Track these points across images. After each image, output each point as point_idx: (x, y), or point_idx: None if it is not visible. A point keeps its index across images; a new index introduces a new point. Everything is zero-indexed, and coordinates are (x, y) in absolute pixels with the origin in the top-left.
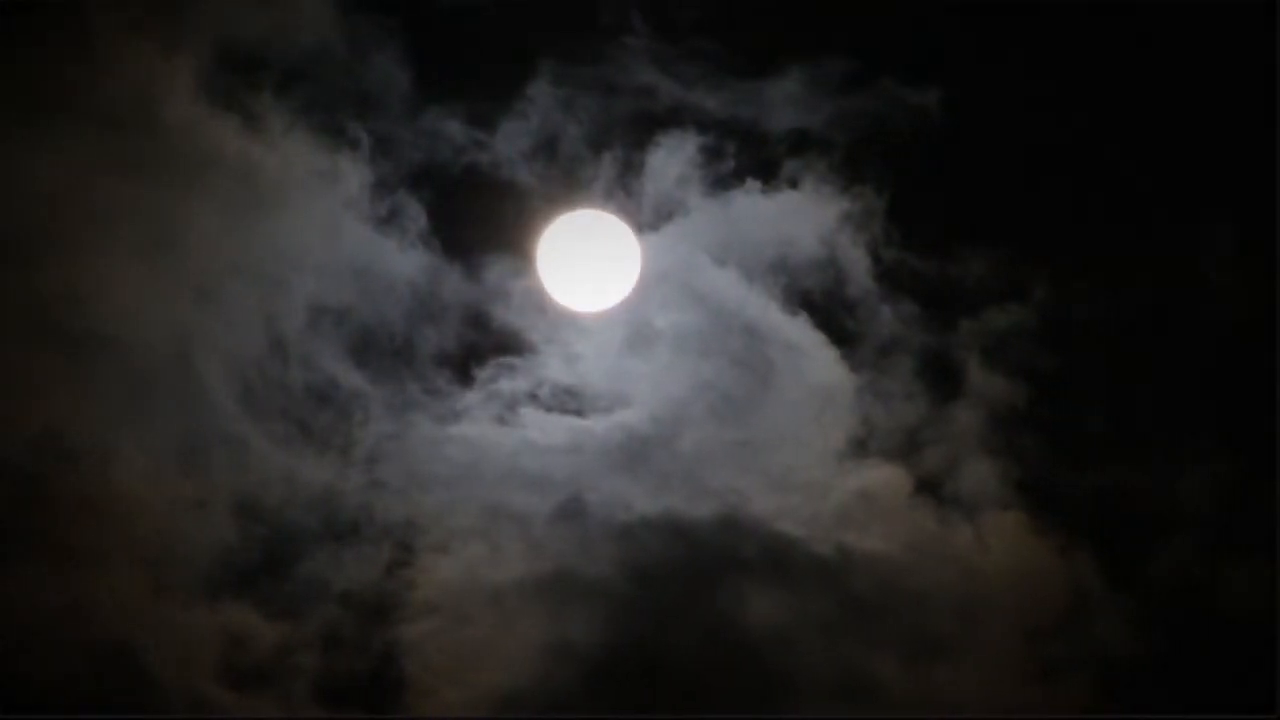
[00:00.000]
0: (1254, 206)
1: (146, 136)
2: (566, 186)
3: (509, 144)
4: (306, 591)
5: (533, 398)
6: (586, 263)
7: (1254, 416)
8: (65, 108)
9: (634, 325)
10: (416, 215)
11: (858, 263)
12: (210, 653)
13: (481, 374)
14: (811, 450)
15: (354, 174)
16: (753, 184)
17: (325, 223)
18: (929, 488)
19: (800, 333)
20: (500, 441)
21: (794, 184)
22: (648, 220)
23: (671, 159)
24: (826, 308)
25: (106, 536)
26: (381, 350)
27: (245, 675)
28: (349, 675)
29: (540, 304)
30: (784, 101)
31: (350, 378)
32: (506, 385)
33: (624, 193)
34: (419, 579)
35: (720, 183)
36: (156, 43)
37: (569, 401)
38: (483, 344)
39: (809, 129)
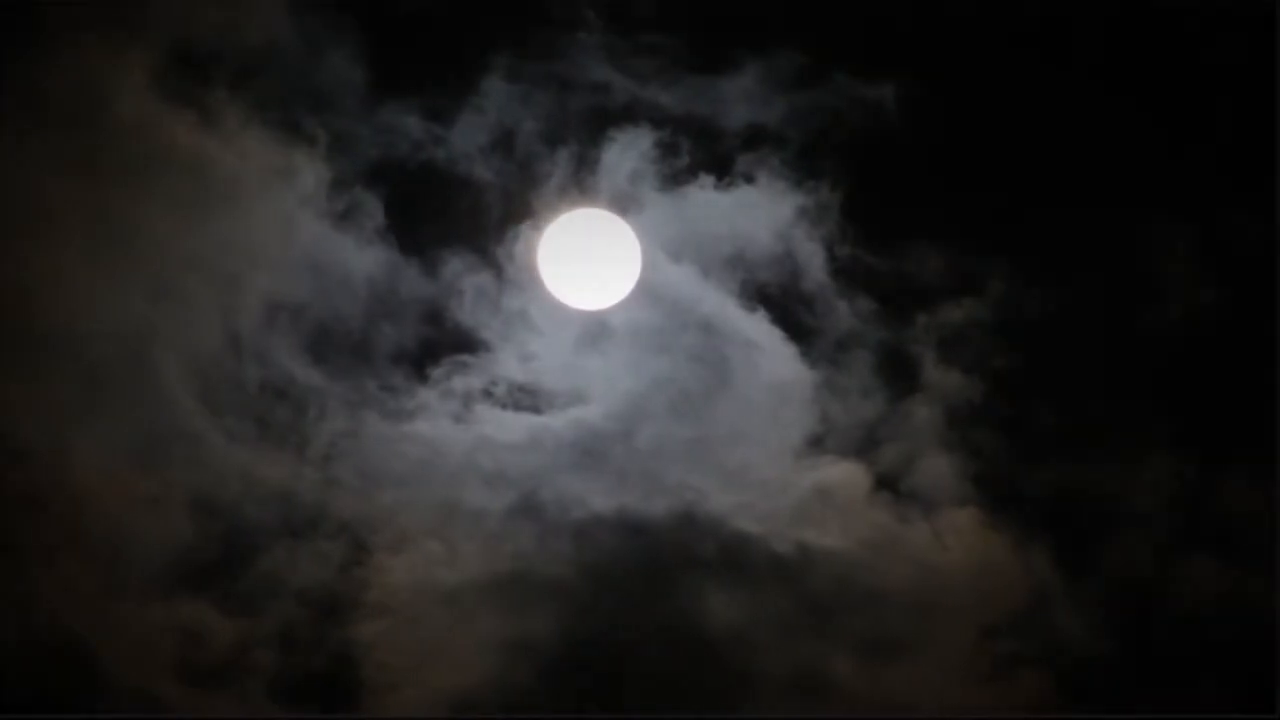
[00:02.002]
0: (1210, 205)
1: (100, 133)
2: (523, 183)
3: (465, 140)
4: (262, 589)
5: (489, 394)
6: (585, 262)
7: (1208, 412)
8: (17, 105)
9: (591, 321)
10: (373, 211)
11: (814, 258)
12: (166, 650)
13: (438, 371)
14: (769, 447)
15: (310, 170)
16: (708, 179)
17: (282, 219)
18: (887, 484)
19: (757, 329)
20: (457, 438)
21: (749, 179)
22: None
23: (626, 155)
24: (783, 304)
25: (61, 533)
26: (338, 347)
27: (201, 673)
28: (305, 673)
29: (496, 301)
30: (739, 97)
31: (306, 374)
32: (463, 382)
33: (578, 189)
34: (375, 577)
35: (676, 178)
36: (110, 39)
37: (525, 398)
38: (440, 341)
39: (764, 124)
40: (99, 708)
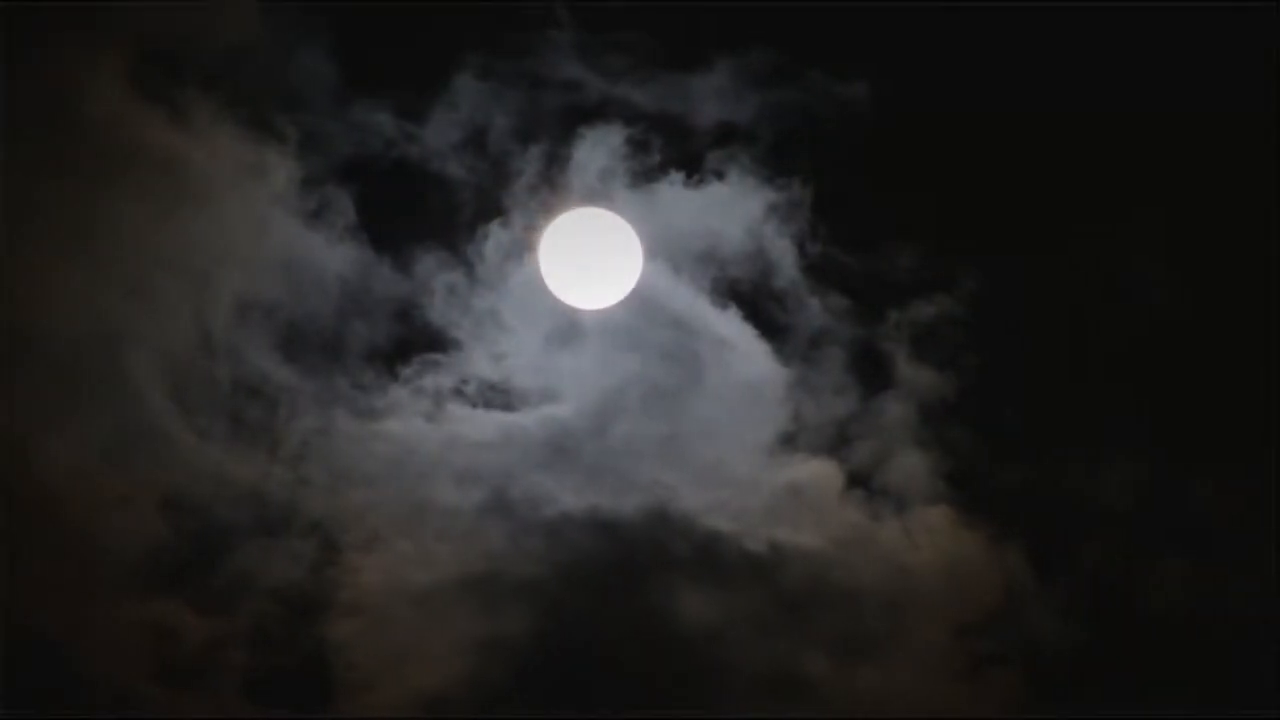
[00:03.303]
0: (1181, 206)
1: (71, 131)
2: (495, 180)
3: (437, 137)
4: (234, 588)
5: (460, 393)
6: (586, 261)
7: (1181, 410)
8: None
9: (563, 319)
10: (345, 209)
11: (786, 255)
12: (138, 648)
13: (409, 369)
14: (741, 444)
15: (282, 168)
16: (681, 176)
17: (253, 217)
18: (859, 481)
19: (729, 326)
20: (429, 437)
21: (721, 176)
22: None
23: (598, 151)
24: (755, 301)
25: (32, 532)
26: (310, 345)
27: (173, 671)
28: (279, 672)
29: (468, 299)
30: (710, 94)
31: (278, 373)
32: (435, 380)
33: (549, 187)
34: (346, 575)
35: (647, 175)
36: (81, 37)
37: (497, 396)
38: (412, 339)
39: (736, 122)
40: (71, 706)
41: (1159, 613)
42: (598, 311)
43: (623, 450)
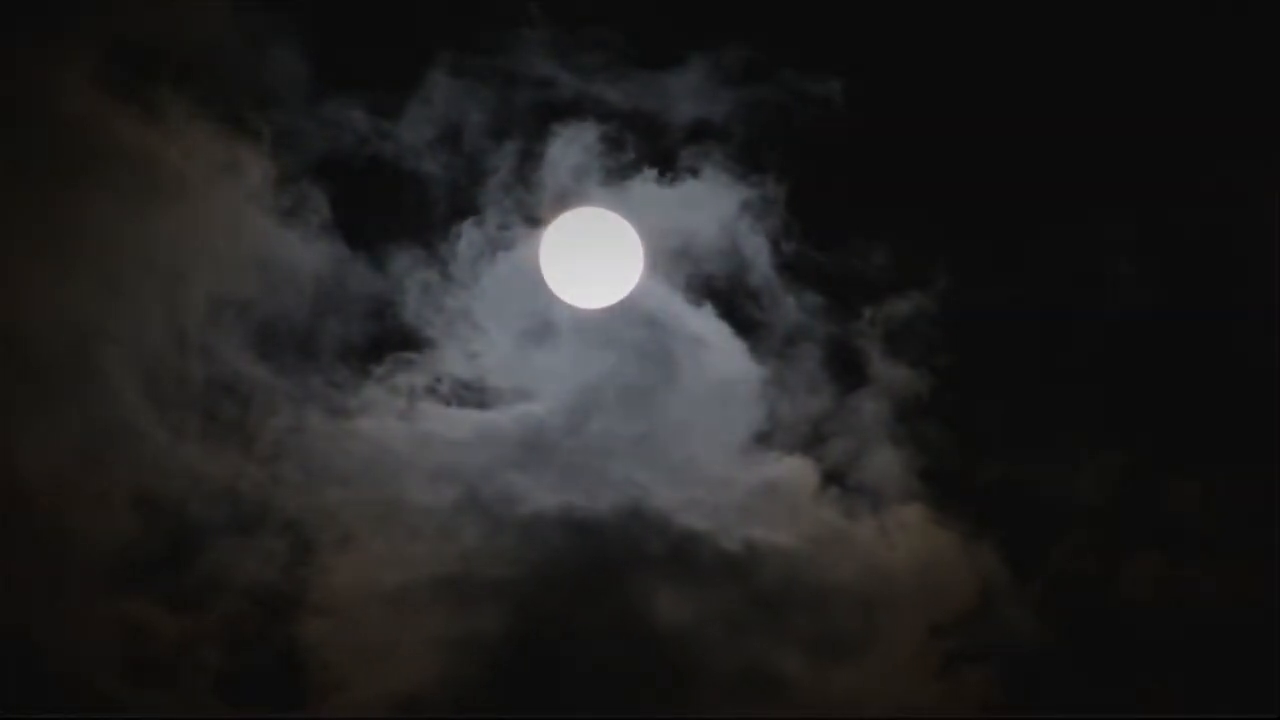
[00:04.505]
0: (1154, 203)
1: (42, 128)
2: (468, 178)
3: (411, 135)
4: (207, 586)
5: (434, 391)
6: (588, 258)
7: (1156, 408)
8: None
9: (537, 317)
10: (319, 206)
11: (760, 253)
12: (109, 647)
13: (383, 367)
14: (716, 442)
15: (256, 165)
16: (655, 174)
17: (227, 214)
18: (834, 479)
19: (704, 324)
20: (402, 435)
21: (695, 173)
22: (549, 211)
23: (571, 149)
24: (730, 298)
25: (3, 530)
26: (284, 343)
27: (145, 669)
28: (252, 671)
29: (441, 297)
30: (685, 92)
31: (252, 371)
32: (408, 378)
33: (523, 185)
34: (320, 574)
35: (621, 172)
36: (51, 33)
37: (470, 395)
38: (386, 337)
39: (710, 119)
40: (41, 705)
41: (1134, 611)
42: (575, 310)
43: (597, 448)
